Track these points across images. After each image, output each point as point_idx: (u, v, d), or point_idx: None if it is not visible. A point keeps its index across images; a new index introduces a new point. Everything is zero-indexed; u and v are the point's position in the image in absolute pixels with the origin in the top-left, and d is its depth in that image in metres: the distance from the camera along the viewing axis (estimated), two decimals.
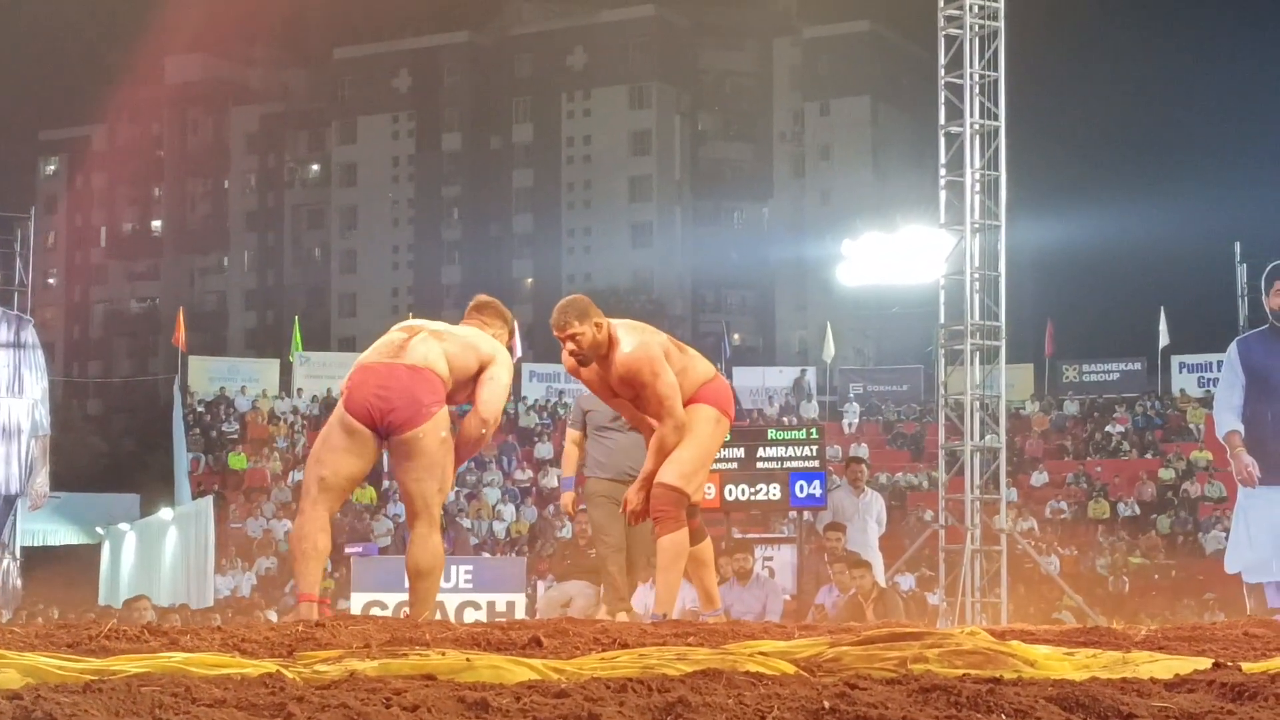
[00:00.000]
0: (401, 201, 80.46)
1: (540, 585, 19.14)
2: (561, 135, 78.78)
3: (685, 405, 7.71)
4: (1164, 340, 39.59)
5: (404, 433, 6.98)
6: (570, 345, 7.59)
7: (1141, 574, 31.97)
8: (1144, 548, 32.98)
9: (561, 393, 39.35)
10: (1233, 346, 19.74)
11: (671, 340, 7.89)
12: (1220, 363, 22.64)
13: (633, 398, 7.79)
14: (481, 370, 7.22)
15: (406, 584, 7.39)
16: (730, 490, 14.63)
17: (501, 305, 7.70)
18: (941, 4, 19.12)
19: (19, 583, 22.62)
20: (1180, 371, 39.43)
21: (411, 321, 7.48)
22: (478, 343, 7.28)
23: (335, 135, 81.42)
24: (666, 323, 71.46)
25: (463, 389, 7.27)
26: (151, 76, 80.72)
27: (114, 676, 3.50)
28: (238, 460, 36.39)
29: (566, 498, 10.62)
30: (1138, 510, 34.66)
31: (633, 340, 7.62)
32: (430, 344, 7.11)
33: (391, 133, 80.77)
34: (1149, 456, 37.05)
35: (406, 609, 7.60)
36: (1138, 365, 41.15)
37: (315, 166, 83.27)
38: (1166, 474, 35.70)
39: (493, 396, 7.23)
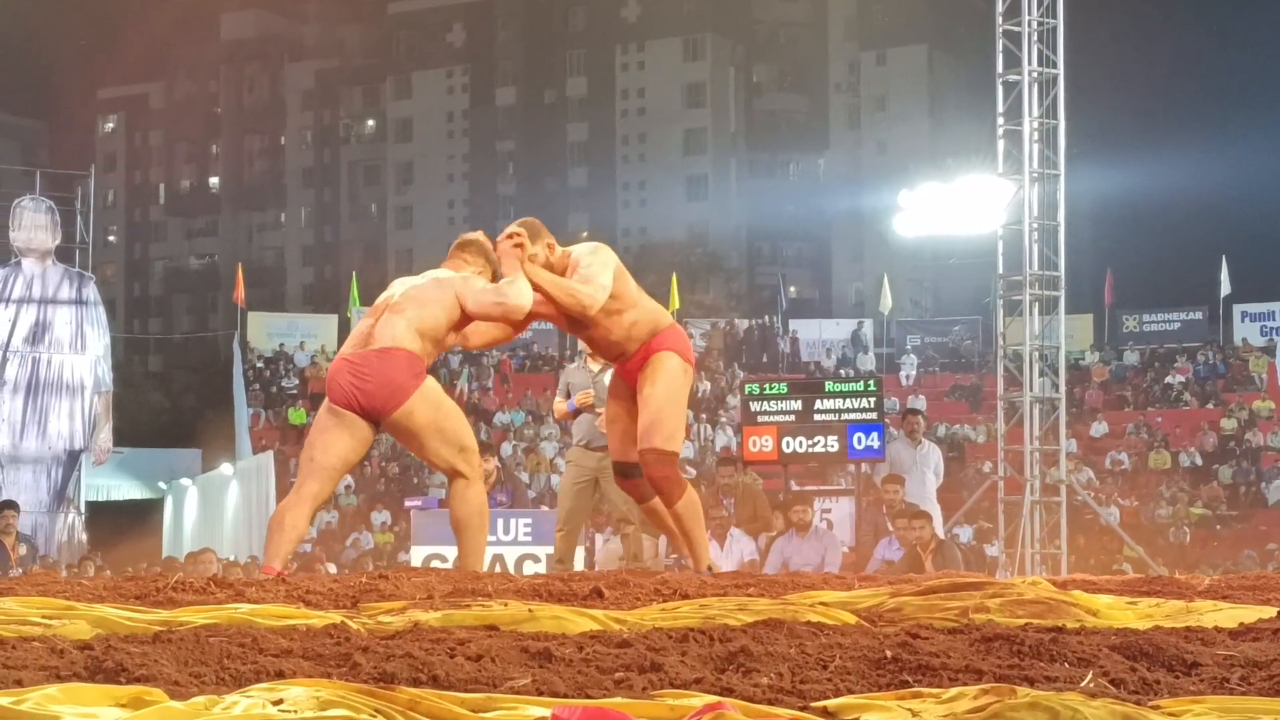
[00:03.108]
0: (456, 156, 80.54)
1: (599, 538, 19.21)
2: (616, 88, 78.53)
3: (649, 351, 7.34)
4: (1225, 289, 39.25)
5: (390, 414, 6.98)
6: None
7: (1203, 524, 31.79)
8: (1205, 498, 32.78)
9: None
10: None
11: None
12: None
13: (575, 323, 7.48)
14: (464, 310, 7.08)
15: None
16: (788, 443, 14.62)
17: (487, 243, 7.42)
18: None
19: (84, 536, 22.95)
20: (1242, 320, 39.08)
21: (383, 296, 7.28)
22: (438, 294, 7.09)
23: (390, 91, 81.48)
24: (722, 275, 71.38)
25: (456, 330, 7.18)
26: (207, 34, 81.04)
27: (182, 627, 3.54)
28: (297, 415, 36.66)
29: (580, 399, 10.60)
30: (1199, 460, 34.43)
31: (586, 247, 7.43)
32: (393, 322, 7.03)
33: (446, 88, 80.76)
34: (1210, 406, 36.77)
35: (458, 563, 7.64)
36: (1199, 314, 40.80)
37: (371, 122, 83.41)
38: (1228, 424, 35.42)
39: (488, 299, 7.07)
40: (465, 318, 7.18)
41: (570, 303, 7.06)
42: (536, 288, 7.08)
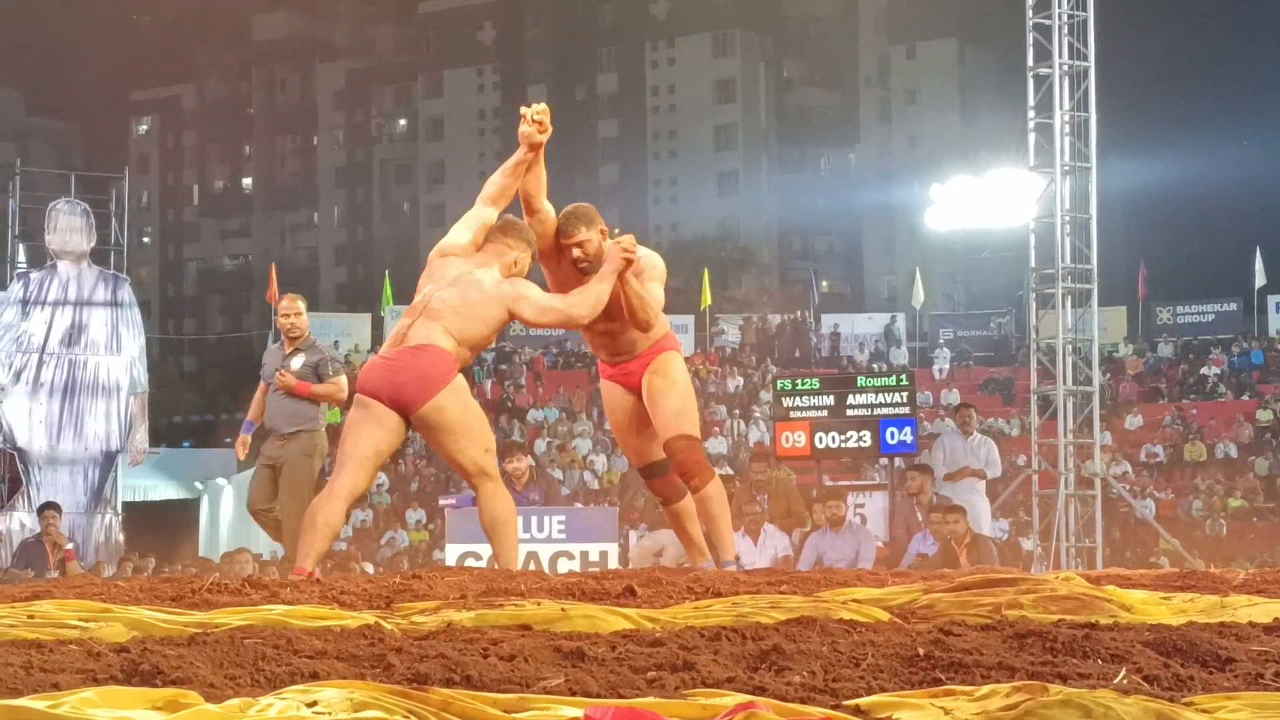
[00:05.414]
0: (488, 154, 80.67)
1: (633, 535, 19.22)
2: (646, 85, 78.53)
3: (657, 350, 7.59)
4: (1260, 280, 39.05)
5: (420, 408, 6.98)
6: (576, 252, 7.45)
7: (1239, 517, 31.60)
8: (1242, 490, 32.59)
9: None
10: None
11: None
12: None
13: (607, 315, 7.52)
14: (510, 310, 7.16)
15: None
16: (820, 438, 14.59)
17: (525, 226, 7.47)
18: None
19: (120, 537, 23.05)
20: (1277, 311, 38.87)
21: (418, 297, 7.30)
22: (483, 310, 7.15)
23: (421, 90, 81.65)
24: (754, 270, 71.26)
25: (492, 337, 7.37)
26: (239, 35, 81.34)
27: (217, 629, 3.56)
28: (332, 415, 36.66)
29: (241, 439, 11.30)
30: (1235, 452, 34.22)
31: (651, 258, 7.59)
32: (429, 326, 7.06)
33: (477, 86, 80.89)
34: (1246, 398, 36.56)
35: (495, 563, 7.64)
36: (1233, 306, 40.58)
37: (402, 121, 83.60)
38: (1264, 415, 35.21)
39: (566, 307, 7.22)
40: (509, 320, 7.31)
41: (640, 318, 7.38)
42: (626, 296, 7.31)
